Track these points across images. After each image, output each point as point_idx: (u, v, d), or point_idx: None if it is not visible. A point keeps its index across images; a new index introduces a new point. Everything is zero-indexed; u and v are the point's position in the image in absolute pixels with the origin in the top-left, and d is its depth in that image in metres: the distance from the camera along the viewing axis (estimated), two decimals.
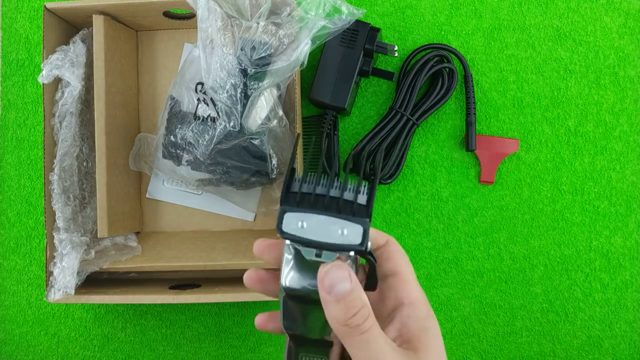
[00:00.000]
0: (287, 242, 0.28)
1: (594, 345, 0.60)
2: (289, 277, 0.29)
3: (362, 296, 0.27)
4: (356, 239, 0.27)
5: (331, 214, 0.28)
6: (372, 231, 0.31)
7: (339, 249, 0.28)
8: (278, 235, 0.28)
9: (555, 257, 0.60)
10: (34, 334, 0.62)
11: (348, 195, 0.28)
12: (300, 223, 0.28)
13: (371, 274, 0.31)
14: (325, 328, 0.29)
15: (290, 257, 0.29)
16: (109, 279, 0.59)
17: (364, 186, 0.29)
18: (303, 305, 0.29)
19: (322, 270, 0.27)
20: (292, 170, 0.29)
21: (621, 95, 0.60)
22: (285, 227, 0.28)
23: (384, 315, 0.31)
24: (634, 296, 0.59)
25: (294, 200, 0.28)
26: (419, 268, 0.60)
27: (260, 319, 0.33)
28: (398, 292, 0.31)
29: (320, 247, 0.28)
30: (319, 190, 0.28)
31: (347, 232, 0.27)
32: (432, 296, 0.60)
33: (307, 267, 0.29)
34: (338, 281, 0.27)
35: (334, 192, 0.28)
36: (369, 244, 0.28)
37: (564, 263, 0.60)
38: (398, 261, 0.31)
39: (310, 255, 0.28)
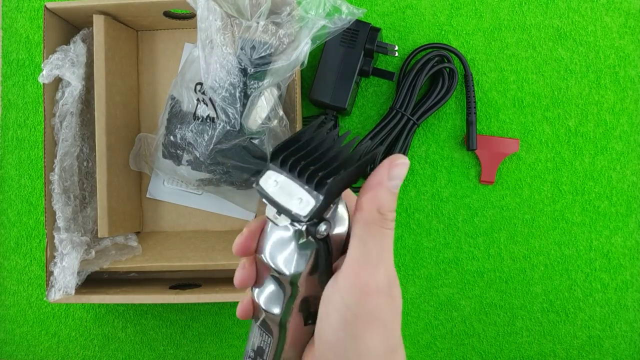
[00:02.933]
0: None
1: (594, 345, 0.59)
2: (267, 250, 0.29)
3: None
4: (303, 211, 0.27)
5: (297, 180, 0.27)
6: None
7: (287, 214, 0.27)
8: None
9: (556, 257, 0.60)
10: (35, 333, 0.62)
11: (319, 172, 0.27)
12: (275, 181, 0.28)
13: (315, 263, 0.29)
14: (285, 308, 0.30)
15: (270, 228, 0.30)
16: (109, 278, 0.59)
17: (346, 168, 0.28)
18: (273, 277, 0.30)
19: (395, 157, 0.28)
20: (298, 133, 0.29)
21: (621, 95, 0.60)
22: (262, 182, 0.28)
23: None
24: (634, 296, 0.59)
25: (278, 159, 0.28)
26: (419, 268, 0.60)
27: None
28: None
29: (276, 207, 0.27)
30: (305, 155, 0.28)
31: (303, 201, 0.27)
32: (433, 296, 0.60)
33: (280, 241, 0.29)
34: (400, 177, 0.28)
35: (309, 163, 0.28)
36: (322, 228, 0.27)
37: (564, 263, 0.60)
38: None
39: (270, 213, 0.28)
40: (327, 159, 0.28)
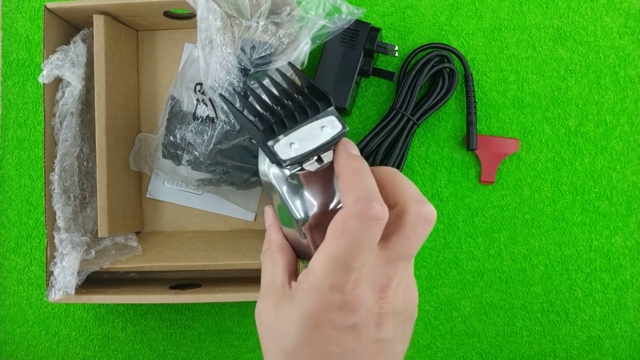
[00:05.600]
0: (275, 185, 0.31)
1: (594, 345, 0.59)
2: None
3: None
4: (337, 127, 0.31)
5: (306, 122, 0.30)
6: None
7: (331, 142, 0.30)
8: (281, 167, 0.30)
9: (556, 257, 0.60)
10: (35, 333, 0.62)
11: (306, 101, 0.31)
12: (290, 145, 0.30)
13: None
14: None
15: (281, 199, 0.31)
16: (109, 278, 0.59)
17: (313, 87, 0.32)
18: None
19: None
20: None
21: (622, 95, 0.60)
22: (283, 155, 0.30)
23: None
24: (634, 296, 0.59)
25: (270, 133, 0.30)
26: (419, 268, 0.60)
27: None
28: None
29: (318, 150, 0.30)
30: (283, 112, 0.31)
31: (326, 126, 0.31)
32: (433, 296, 0.60)
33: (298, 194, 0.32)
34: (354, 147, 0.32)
35: (294, 106, 0.31)
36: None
37: (564, 263, 0.60)
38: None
39: (313, 167, 0.30)
40: (295, 99, 0.32)
